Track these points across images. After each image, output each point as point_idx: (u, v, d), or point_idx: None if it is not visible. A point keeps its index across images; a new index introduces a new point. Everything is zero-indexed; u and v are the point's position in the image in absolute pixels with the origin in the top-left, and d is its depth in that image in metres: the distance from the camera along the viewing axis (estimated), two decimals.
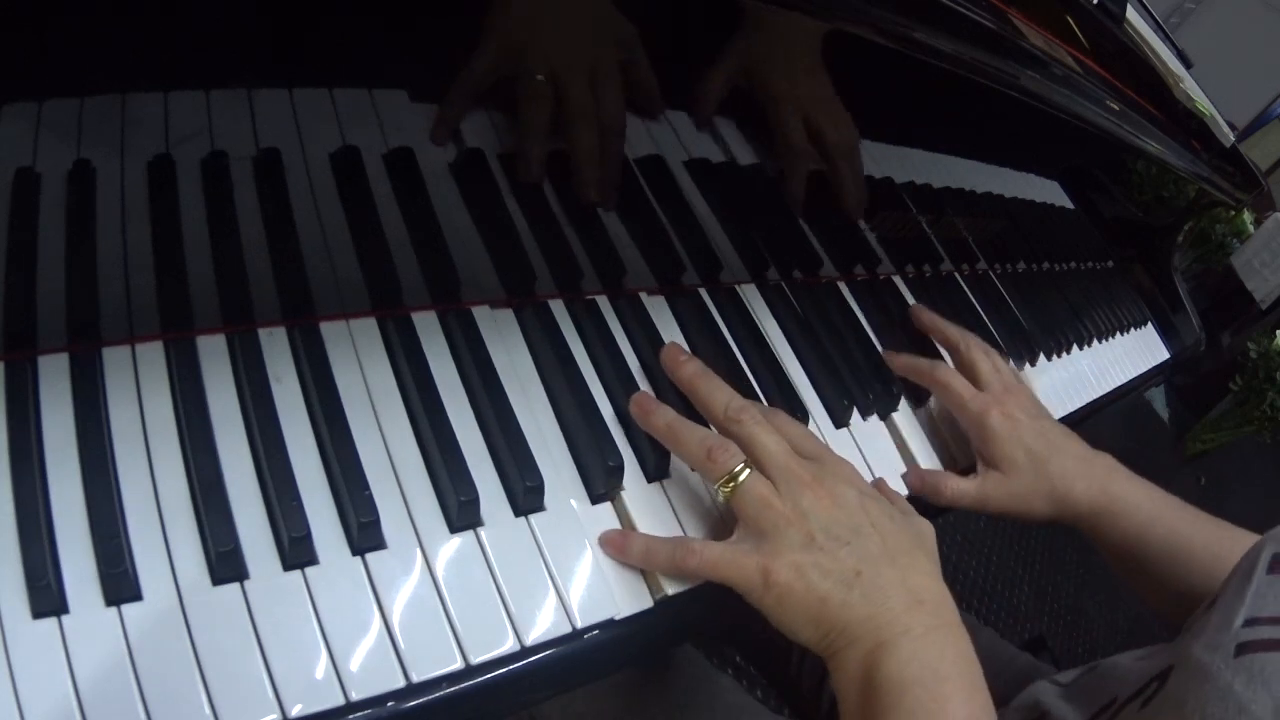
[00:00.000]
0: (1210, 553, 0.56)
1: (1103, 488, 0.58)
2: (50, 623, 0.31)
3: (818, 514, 0.42)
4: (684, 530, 0.46)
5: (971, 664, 0.41)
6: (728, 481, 0.43)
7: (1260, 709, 0.37)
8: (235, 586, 0.34)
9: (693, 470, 0.47)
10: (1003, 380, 0.62)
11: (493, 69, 0.47)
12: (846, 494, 0.44)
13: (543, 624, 0.39)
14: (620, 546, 0.42)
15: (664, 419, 0.45)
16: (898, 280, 0.73)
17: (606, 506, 0.45)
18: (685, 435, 0.44)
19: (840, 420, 0.57)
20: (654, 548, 0.42)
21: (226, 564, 0.34)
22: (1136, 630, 1.88)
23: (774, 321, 0.60)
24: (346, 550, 0.37)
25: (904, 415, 0.62)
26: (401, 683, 0.35)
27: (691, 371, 0.48)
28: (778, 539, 0.41)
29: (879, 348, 0.65)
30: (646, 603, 0.43)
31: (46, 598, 0.31)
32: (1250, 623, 0.40)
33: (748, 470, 0.43)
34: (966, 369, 0.62)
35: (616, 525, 0.44)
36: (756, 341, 0.57)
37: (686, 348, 0.53)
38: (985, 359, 0.62)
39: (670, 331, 0.54)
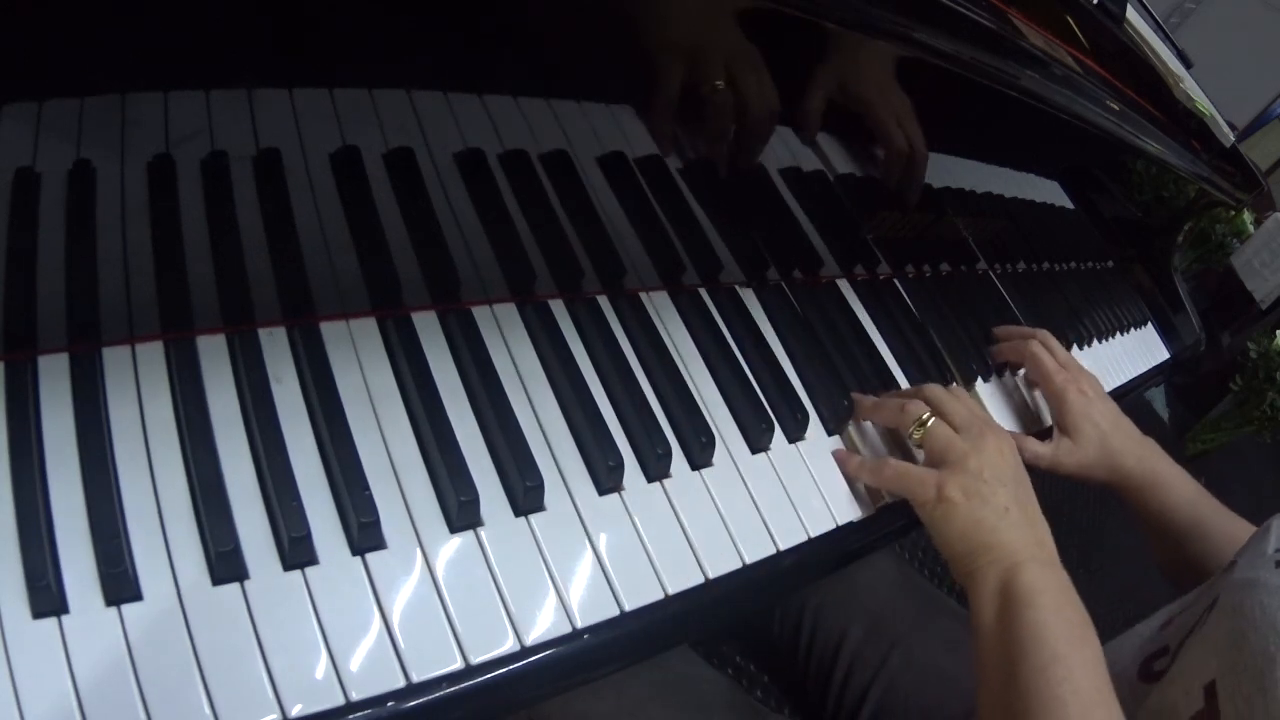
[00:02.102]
0: (1228, 539, 0.63)
1: (1151, 466, 0.67)
2: (50, 623, 0.31)
3: (990, 456, 0.53)
4: (682, 528, 0.46)
5: (1074, 590, 0.50)
6: (919, 426, 0.54)
7: None
8: (235, 586, 0.34)
9: (889, 429, 0.58)
10: (1074, 364, 0.72)
11: (679, 83, 0.53)
12: (1009, 453, 0.54)
13: (543, 624, 0.39)
14: (843, 459, 0.55)
15: (870, 400, 0.58)
16: (898, 280, 0.73)
17: (606, 503, 0.45)
18: (886, 401, 0.57)
19: (833, 428, 0.57)
20: (864, 463, 0.55)
21: (226, 564, 0.34)
22: None
23: (773, 322, 0.60)
24: (346, 550, 0.37)
25: None
26: (401, 683, 0.35)
27: (872, 403, 0.58)
28: (957, 466, 0.52)
29: (879, 349, 0.65)
30: (654, 596, 0.43)
31: (46, 598, 0.31)
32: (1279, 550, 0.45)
33: (933, 418, 0.54)
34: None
35: (617, 523, 0.44)
36: (756, 341, 0.57)
37: (691, 344, 0.54)
38: (1060, 346, 0.73)
39: (671, 331, 0.54)
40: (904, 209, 0.75)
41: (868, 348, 0.64)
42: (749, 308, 0.59)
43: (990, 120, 0.75)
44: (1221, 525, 0.65)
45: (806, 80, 0.59)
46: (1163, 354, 1.11)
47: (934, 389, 0.57)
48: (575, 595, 0.40)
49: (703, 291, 0.57)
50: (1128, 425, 0.69)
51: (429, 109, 0.49)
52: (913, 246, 0.77)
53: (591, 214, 0.54)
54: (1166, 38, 1.14)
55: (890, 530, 0.56)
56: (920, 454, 0.56)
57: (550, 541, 0.41)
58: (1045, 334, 0.73)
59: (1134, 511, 0.69)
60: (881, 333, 0.67)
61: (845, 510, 0.53)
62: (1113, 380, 0.93)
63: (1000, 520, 0.50)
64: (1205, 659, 0.47)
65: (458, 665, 0.36)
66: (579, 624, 0.40)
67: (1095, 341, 0.94)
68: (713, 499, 0.48)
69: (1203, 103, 1.01)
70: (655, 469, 0.47)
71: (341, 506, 0.38)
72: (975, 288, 0.81)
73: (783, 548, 0.49)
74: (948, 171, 0.80)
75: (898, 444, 0.60)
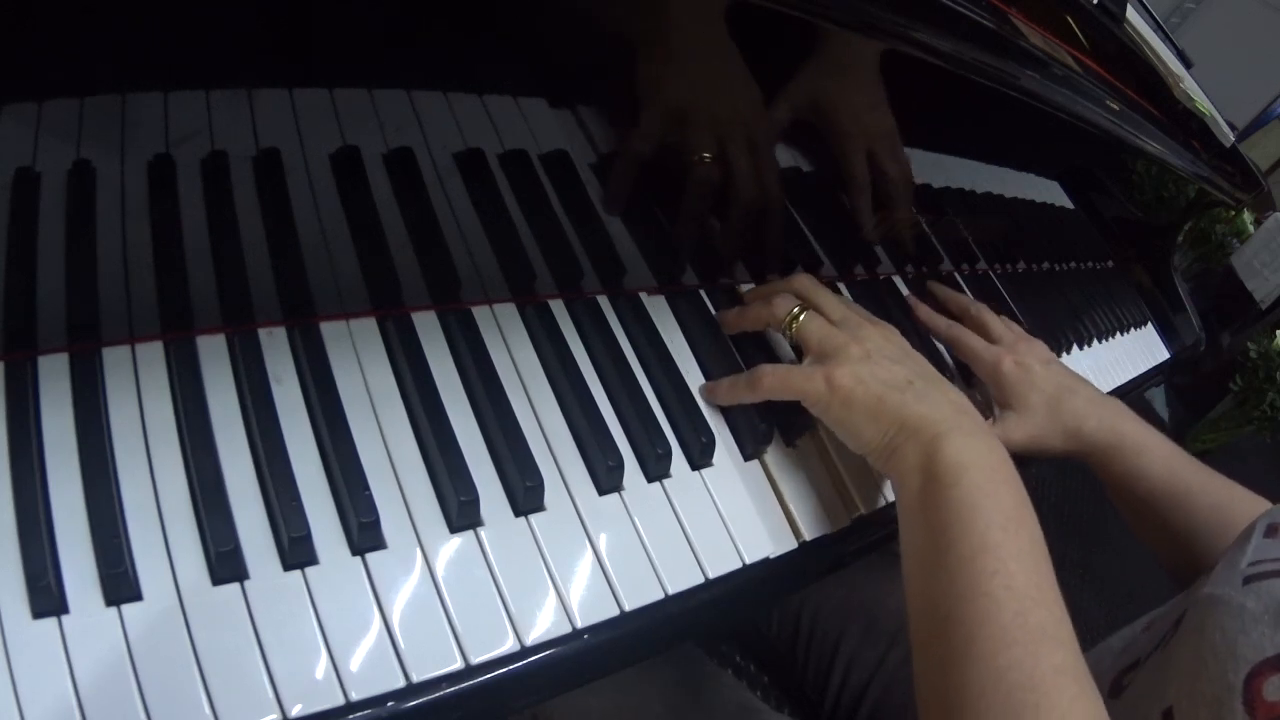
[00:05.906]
0: (1209, 500, 0.59)
1: (1112, 427, 0.62)
2: (50, 623, 0.31)
3: (874, 341, 0.49)
4: (682, 528, 0.46)
5: (1011, 463, 0.45)
6: (790, 323, 0.50)
7: (1272, 619, 0.39)
8: (235, 586, 0.34)
9: (765, 328, 0.54)
10: (1014, 333, 0.67)
11: (654, 143, 0.51)
12: (894, 336, 0.51)
13: (543, 624, 0.39)
14: (711, 389, 0.51)
15: (734, 310, 0.54)
16: (898, 280, 0.73)
17: (606, 503, 0.45)
18: (752, 306, 0.53)
19: None
20: (736, 381, 0.50)
21: (226, 564, 0.34)
22: None
23: None
24: (346, 550, 0.37)
25: None
26: (401, 683, 0.35)
27: (737, 311, 0.55)
28: (839, 355, 0.48)
29: None
30: (654, 596, 0.43)
31: (46, 598, 0.31)
32: (1253, 564, 0.42)
33: (804, 311, 0.50)
34: (978, 329, 0.67)
35: (617, 523, 0.44)
36: (757, 341, 0.57)
37: (686, 347, 0.53)
38: (994, 318, 0.68)
39: (670, 331, 0.54)
40: (901, 216, 0.74)
41: None
42: None
43: (990, 120, 0.75)
44: (1207, 492, 0.60)
45: (783, 83, 0.57)
46: (1163, 354, 1.11)
47: (801, 279, 0.53)
48: (575, 595, 0.40)
49: (702, 292, 0.57)
50: (1084, 387, 0.64)
51: (429, 109, 0.49)
52: (913, 246, 0.77)
53: (591, 214, 0.54)
54: (1166, 38, 1.13)
55: (890, 531, 0.56)
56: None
57: (550, 541, 0.41)
58: (978, 306, 0.69)
59: (1106, 484, 0.64)
60: None
61: (843, 511, 0.53)
62: (1113, 380, 0.93)
63: (905, 394, 0.46)
64: (1164, 683, 0.43)
65: (458, 665, 0.36)
66: (579, 624, 0.40)
67: (1095, 341, 0.94)
68: (713, 499, 0.48)
69: (1203, 103, 1.01)
70: (655, 469, 0.47)
71: (341, 506, 0.38)
72: (975, 288, 0.81)
73: (782, 548, 0.49)
74: (949, 171, 0.80)
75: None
